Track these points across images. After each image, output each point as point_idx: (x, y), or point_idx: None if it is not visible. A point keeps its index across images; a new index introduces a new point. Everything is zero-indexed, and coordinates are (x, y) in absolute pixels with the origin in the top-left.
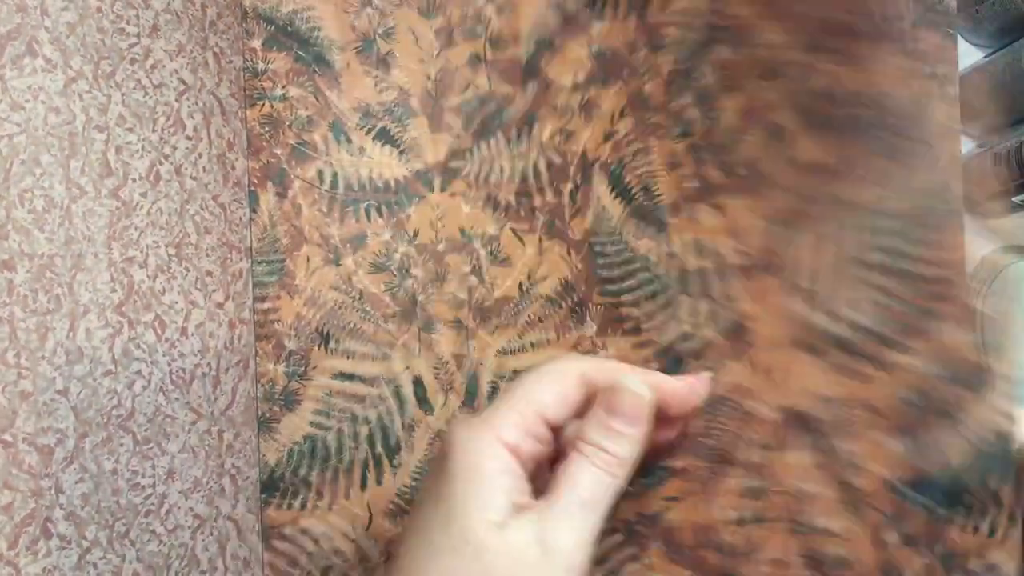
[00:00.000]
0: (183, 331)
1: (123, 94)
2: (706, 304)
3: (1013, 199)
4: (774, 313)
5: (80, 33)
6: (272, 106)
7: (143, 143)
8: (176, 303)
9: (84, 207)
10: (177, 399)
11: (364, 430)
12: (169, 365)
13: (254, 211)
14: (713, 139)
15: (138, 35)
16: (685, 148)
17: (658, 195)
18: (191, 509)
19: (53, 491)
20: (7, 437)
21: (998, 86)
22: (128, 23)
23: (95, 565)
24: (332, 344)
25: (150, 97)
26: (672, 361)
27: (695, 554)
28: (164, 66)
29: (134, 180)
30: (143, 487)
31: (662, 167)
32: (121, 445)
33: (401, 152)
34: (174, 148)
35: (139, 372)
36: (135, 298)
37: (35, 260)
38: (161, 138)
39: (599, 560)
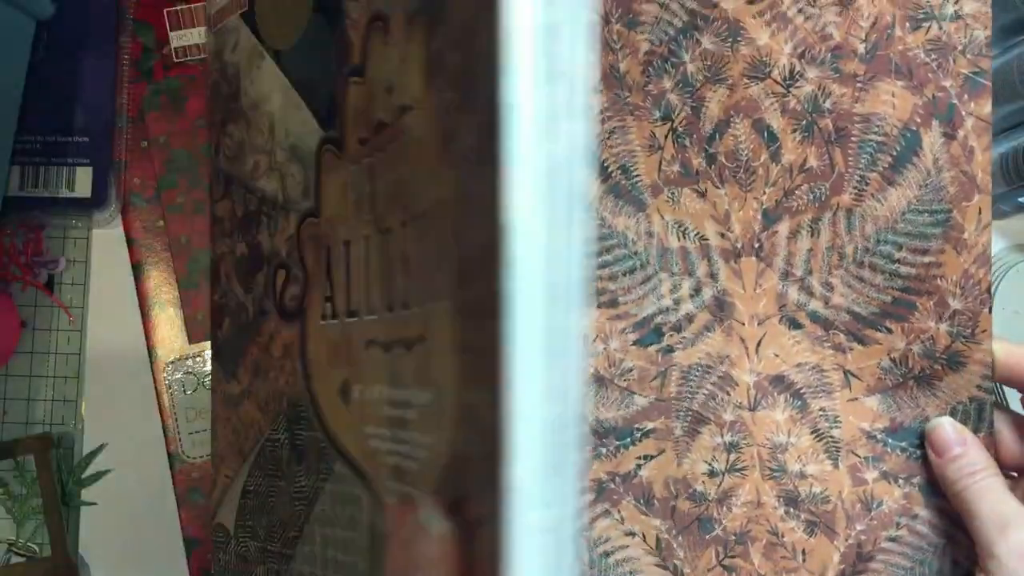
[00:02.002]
0: None
1: None
2: (688, 281)
3: (1019, 200)
4: (755, 291)
5: None
6: None
7: None
8: None
9: None
10: None
11: None
12: None
13: None
14: (695, 127)
15: None
16: (665, 132)
17: (637, 176)
18: None
19: None
20: None
21: (1000, 88)
22: None
23: None
24: None
25: None
26: (651, 333)
27: (667, 504)
28: None
29: None
30: None
31: (641, 148)
32: None
33: None
34: None
35: None
36: None
37: None
38: None
39: None
